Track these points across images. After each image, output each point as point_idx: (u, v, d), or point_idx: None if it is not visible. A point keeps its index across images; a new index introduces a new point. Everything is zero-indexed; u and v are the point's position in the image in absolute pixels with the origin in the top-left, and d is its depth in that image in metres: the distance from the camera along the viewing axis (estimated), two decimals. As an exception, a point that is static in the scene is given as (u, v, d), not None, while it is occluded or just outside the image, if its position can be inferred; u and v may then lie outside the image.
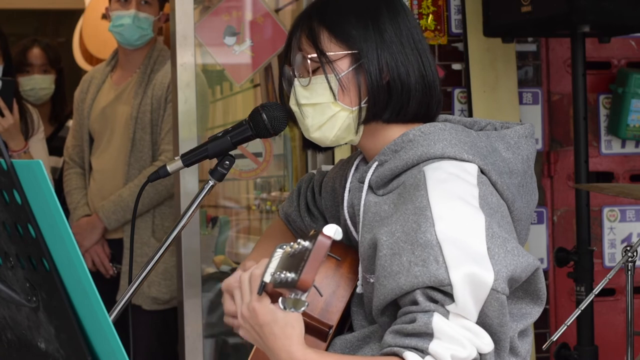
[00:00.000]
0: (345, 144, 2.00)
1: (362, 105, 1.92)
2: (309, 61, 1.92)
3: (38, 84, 4.53)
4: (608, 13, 3.37)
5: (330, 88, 1.91)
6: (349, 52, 1.91)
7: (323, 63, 1.91)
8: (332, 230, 1.50)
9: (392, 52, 1.91)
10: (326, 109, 1.93)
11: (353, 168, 2.01)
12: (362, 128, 1.94)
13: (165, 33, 4.25)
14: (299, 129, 2.01)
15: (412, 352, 1.72)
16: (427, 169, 1.83)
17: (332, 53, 1.92)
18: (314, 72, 1.93)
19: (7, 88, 3.79)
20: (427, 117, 1.95)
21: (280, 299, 1.55)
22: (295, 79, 1.95)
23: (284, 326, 1.70)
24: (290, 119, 2.02)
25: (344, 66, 1.91)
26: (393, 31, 1.93)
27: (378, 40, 1.91)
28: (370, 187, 1.93)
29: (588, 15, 3.35)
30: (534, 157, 1.99)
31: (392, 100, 1.91)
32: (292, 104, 1.96)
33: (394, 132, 1.94)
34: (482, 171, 1.86)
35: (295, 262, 1.53)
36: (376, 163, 1.93)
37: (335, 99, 1.91)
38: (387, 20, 1.93)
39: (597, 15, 3.37)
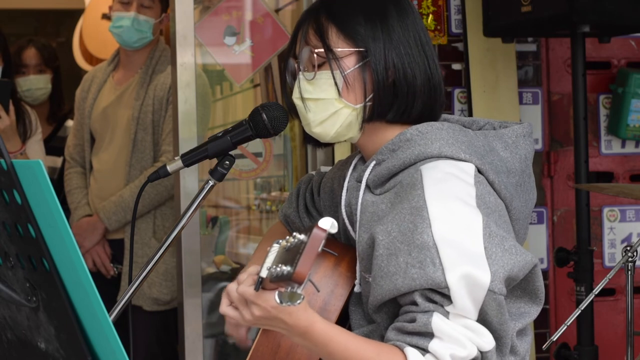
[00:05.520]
0: (345, 141, 2.00)
1: (367, 103, 1.92)
2: (315, 55, 1.92)
3: (34, 84, 4.53)
4: (608, 13, 3.37)
5: (335, 84, 1.91)
6: (356, 49, 1.91)
7: (330, 59, 1.91)
8: (328, 223, 1.50)
9: (399, 52, 1.91)
10: (329, 105, 1.92)
11: (351, 167, 2.01)
12: (364, 126, 1.94)
13: (165, 33, 4.25)
14: (299, 123, 2.00)
15: (413, 349, 1.73)
16: (424, 169, 1.83)
17: (339, 49, 1.91)
18: (320, 66, 1.92)
19: (3, 89, 3.79)
20: (430, 119, 1.95)
21: (276, 293, 1.55)
22: (300, 73, 1.94)
23: (296, 309, 1.70)
24: (291, 112, 2.02)
25: (350, 63, 1.91)
26: (401, 32, 1.92)
27: (386, 40, 1.91)
28: (367, 186, 1.93)
29: (588, 15, 3.35)
30: (532, 156, 1.99)
31: (398, 100, 1.91)
32: (295, 98, 1.95)
33: (394, 132, 1.94)
34: (479, 171, 1.86)
35: (290, 255, 1.53)
36: (374, 162, 1.93)
37: (339, 95, 1.91)
38: (395, 21, 1.93)
39: (597, 15, 3.36)
